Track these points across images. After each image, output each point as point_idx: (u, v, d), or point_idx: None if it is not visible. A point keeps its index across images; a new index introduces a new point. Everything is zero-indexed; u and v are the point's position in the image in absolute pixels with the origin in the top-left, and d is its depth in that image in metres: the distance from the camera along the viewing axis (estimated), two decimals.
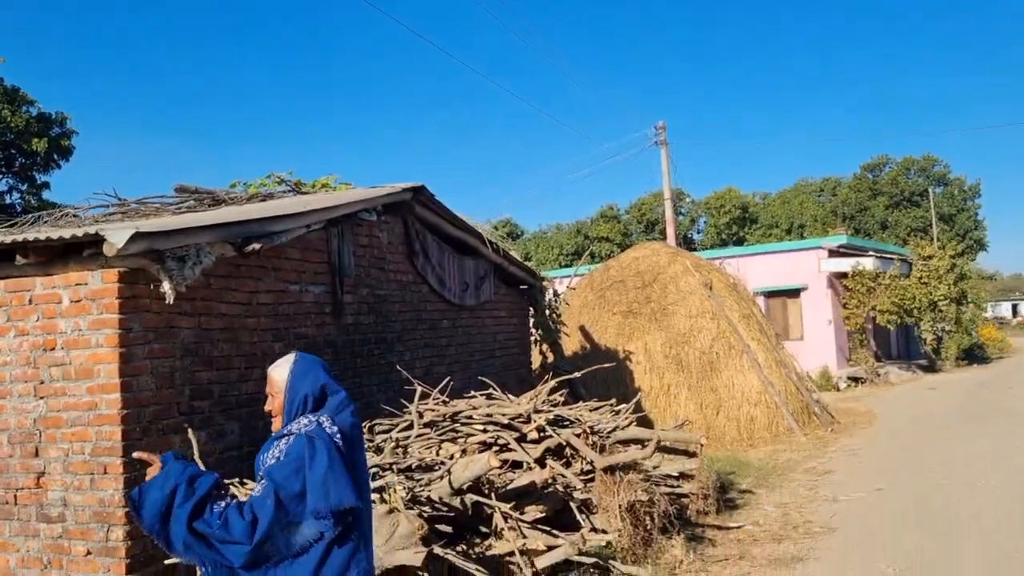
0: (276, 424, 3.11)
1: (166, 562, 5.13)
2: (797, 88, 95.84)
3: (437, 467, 5.92)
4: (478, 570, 4.97)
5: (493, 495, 5.74)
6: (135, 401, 5.10)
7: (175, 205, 8.07)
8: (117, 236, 4.79)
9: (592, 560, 5.83)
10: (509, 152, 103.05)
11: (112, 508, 4.99)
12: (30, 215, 7.96)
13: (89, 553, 5.03)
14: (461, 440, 6.45)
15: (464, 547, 5.60)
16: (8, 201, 26.21)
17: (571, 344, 13.12)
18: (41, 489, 5.16)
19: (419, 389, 6.76)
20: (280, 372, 3.12)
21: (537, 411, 6.55)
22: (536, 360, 11.69)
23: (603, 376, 11.89)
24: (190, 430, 5.35)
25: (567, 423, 6.80)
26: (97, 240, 4.92)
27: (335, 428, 2.92)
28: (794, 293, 22.62)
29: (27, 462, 5.19)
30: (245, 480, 5.54)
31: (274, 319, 6.41)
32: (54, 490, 5.13)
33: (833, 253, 22.85)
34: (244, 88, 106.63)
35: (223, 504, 2.77)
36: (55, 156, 27.33)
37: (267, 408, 3.16)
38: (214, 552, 2.71)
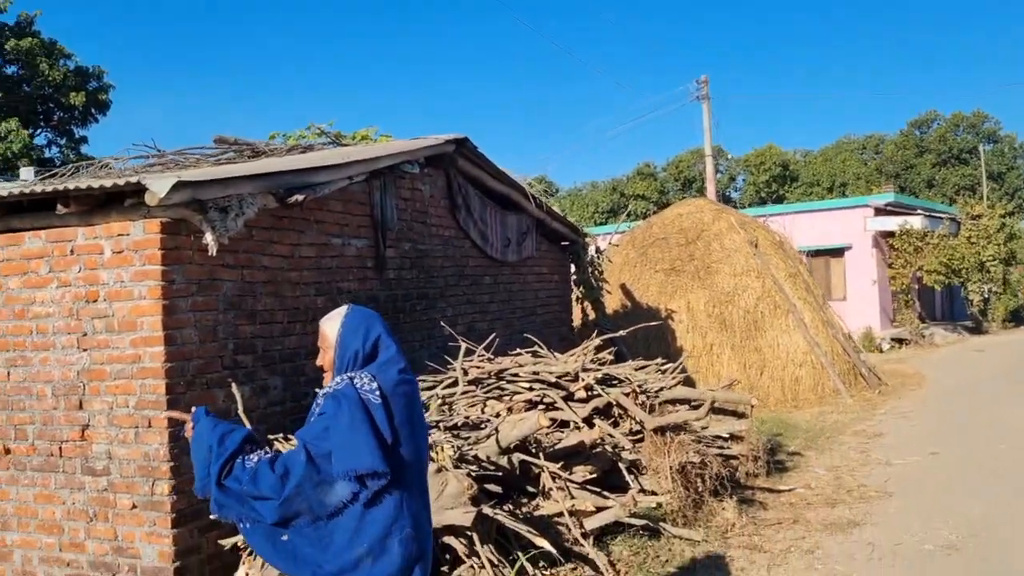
0: (327, 379, 2.96)
1: (212, 516, 5.06)
2: (840, 43, 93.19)
3: (483, 425, 5.79)
4: (529, 531, 4.85)
5: (541, 455, 5.60)
6: (179, 354, 5.00)
7: (214, 157, 7.94)
8: (159, 185, 4.65)
9: (642, 522, 5.70)
10: (544, 107, 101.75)
11: (157, 462, 4.93)
12: (69, 166, 7.88)
13: (135, 507, 4.99)
14: (507, 398, 6.32)
15: (511, 507, 5.48)
16: (47, 155, 26.36)
17: (612, 302, 12.90)
18: (86, 442, 5.11)
19: (463, 346, 6.62)
20: (331, 326, 2.95)
21: (585, 369, 6.37)
22: (576, 318, 11.51)
23: (644, 335, 11.67)
24: (234, 385, 5.24)
25: (615, 382, 6.62)
26: (139, 190, 4.78)
27: (373, 385, 2.75)
28: (838, 252, 22.12)
29: (71, 414, 5.14)
30: (289, 436, 5.45)
31: (317, 272, 6.27)
32: (99, 443, 5.08)
33: (879, 211, 22.27)
34: (281, 38, 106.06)
35: (254, 459, 2.68)
36: (92, 110, 27.43)
37: (318, 363, 3.00)
38: (247, 508, 2.63)
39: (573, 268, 11.09)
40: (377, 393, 2.70)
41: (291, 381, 5.94)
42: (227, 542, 5.07)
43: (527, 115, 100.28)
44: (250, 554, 5.09)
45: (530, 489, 5.72)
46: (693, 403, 7.14)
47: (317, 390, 5.71)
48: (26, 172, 11.21)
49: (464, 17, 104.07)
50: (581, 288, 11.16)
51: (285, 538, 2.64)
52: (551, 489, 5.58)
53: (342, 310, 3.00)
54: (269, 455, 2.69)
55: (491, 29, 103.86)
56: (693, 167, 46.06)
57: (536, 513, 5.46)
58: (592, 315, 11.40)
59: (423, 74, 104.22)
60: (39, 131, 26.96)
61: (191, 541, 5.04)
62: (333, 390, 2.73)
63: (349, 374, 2.78)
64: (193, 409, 2.89)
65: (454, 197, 8.18)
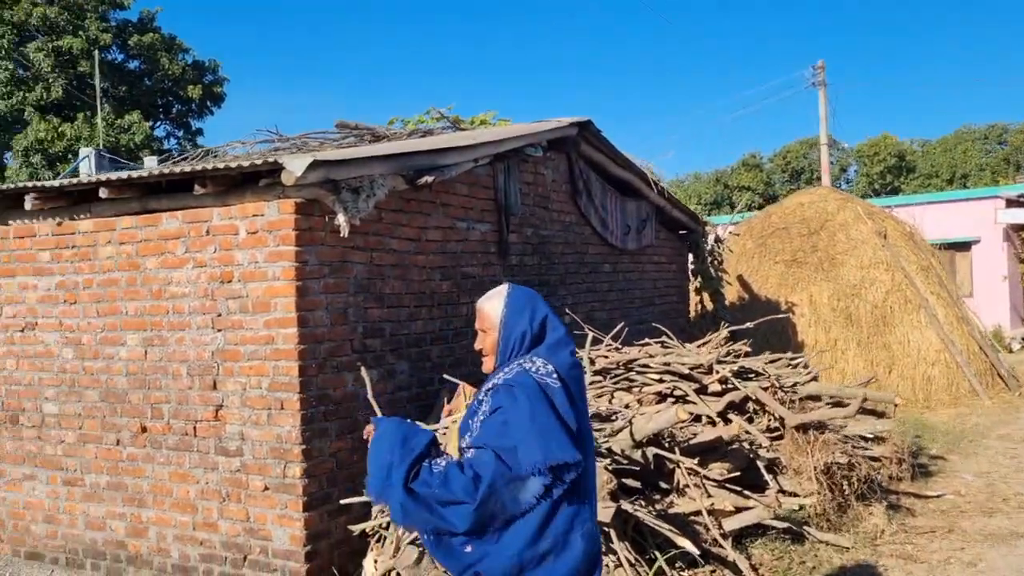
0: (487, 364, 2.75)
1: (342, 501, 5.02)
2: (961, 27, 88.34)
3: (613, 417, 5.55)
4: (671, 531, 4.60)
5: (677, 449, 5.33)
6: (311, 336, 4.95)
7: (336, 141, 7.96)
8: (295, 164, 4.59)
9: (784, 525, 5.36)
10: (646, 95, 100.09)
11: (289, 444, 4.89)
12: (198, 150, 8.02)
13: (267, 488, 4.96)
14: (636, 389, 6.06)
15: (643, 502, 5.24)
16: (166, 147, 27.38)
17: (729, 294, 12.43)
18: (219, 422, 5.12)
19: (590, 335, 6.38)
20: (493, 305, 2.73)
21: (720, 361, 6.06)
22: (691, 309, 11.12)
23: (763, 329, 11.18)
24: (363, 368, 5.19)
25: (751, 375, 6.28)
26: (274, 170, 4.75)
27: (549, 368, 2.53)
28: (964, 246, 20.84)
29: (206, 394, 5.16)
30: (418, 422, 5.34)
31: (442, 257, 6.15)
32: (232, 424, 5.08)
33: (1011, 203, 20.84)
34: (394, 25, 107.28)
35: (442, 463, 2.42)
36: (208, 103, 28.37)
37: (477, 346, 2.79)
38: (435, 516, 2.36)
39: (692, 258, 10.71)
40: (555, 376, 2.49)
41: (417, 366, 5.84)
42: (356, 528, 5.00)
43: (626, 103, 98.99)
44: (378, 541, 5.01)
45: (663, 485, 5.46)
46: (830, 400, 6.74)
47: (446, 376, 5.64)
48: (149, 161, 11.59)
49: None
50: (699, 278, 10.77)
51: (469, 549, 2.41)
52: (686, 486, 5.31)
53: (503, 289, 2.81)
54: (454, 459, 2.47)
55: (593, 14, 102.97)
56: (802, 157, 44.50)
57: (671, 511, 5.20)
58: (710, 306, 10.99)
59: (537, 59, 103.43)
60: (159, 123, 28.06)
61: (321, 525, 4.99)
62: (504, 380, 2.50)
63: (519, 361, 2.58)
64: (372, 418, 2.73)
65: (575, 182, 7.96)
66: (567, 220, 7.91)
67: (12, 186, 5.57)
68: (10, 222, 5.85)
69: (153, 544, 5.37)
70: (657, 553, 4.71)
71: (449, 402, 5.61)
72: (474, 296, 6.46)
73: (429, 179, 5.59)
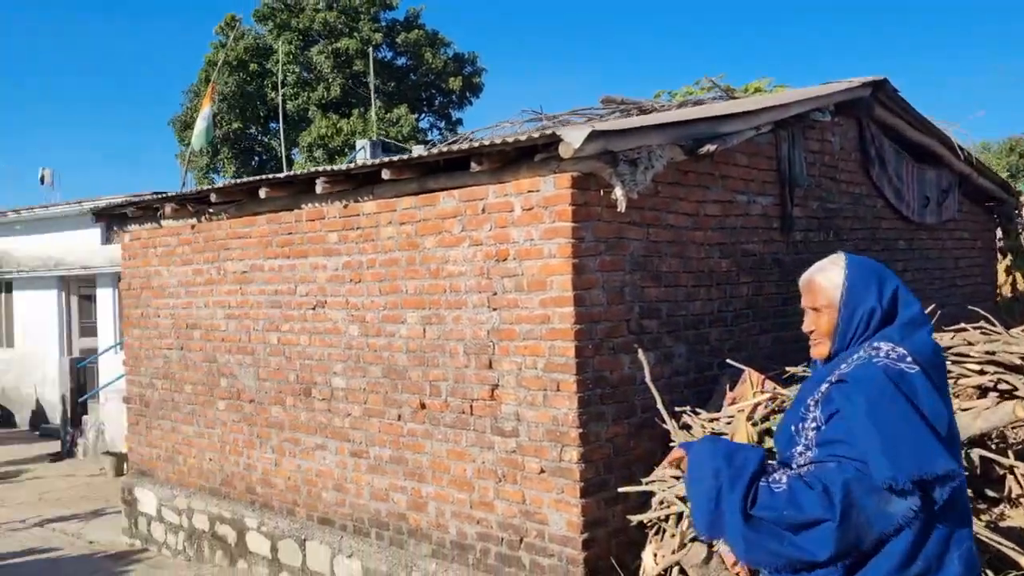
0: (818, 350, 2.32)
1: (619, 489, 4.78)
2: None
3: None
4: (1014, 549, 3.89)
5: (1010, 452, 4.54)
6: (586, 316, 4.73)
7: (602, 117, 7.73)
8: (573, 136, 4.38)
9: None
10: (914, 54, 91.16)
11: (565, 427, 4.71)
12: (469, 131, 8.14)
13: (542, 471, 4.83)
14: (951, 382, 5.26)
15: None
16: (429, 138, 28.82)
17: None
18: (495, 402, 5.06)
19: None
20: (830, 278, 2.30)
21: None
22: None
23: None
24: (640, 351, 4.90)
25: None
26: (549, 143, 4.56)
27: (900, 351, 2.06)
28: None
29: (482, 373, 5.12)
30: (697, 409, 4.99)
31: (721, 233, 5.70)
32: (507, 404, 4.99)
33: None
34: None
35: (782, 480, 2.03)
36: (467, 93, 29.51)
37: (807, 328, 2.36)
38: (786, 546, 1.98)
39: (1001, 233, 9.37)
40: (909, 360, 2.02)
41: (695, 350, 5.45)
42: (634, 518, 4.74)
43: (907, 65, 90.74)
44: (656, 533, 4.71)
45: (989, 493, 4.68)
46: None
47: (728, 361, 5.20)
48: (416, 150, 12.12)
49: None
50: (1009, 256, 9.40)
51: None
52: (1020, 496, 4.51)
53: (838, 259, 2.36)
54: (794, 473, 2.08)
55: None
56: None
57: (1002, 523, 4.43)
58: (1022, 287, 9.58)
59: (814, 20, 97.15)
60: (423, 116, 29.65)
61: (598, 513, 4.78)
62: (838, 377, 2.09)
63: (861, 347, 2.14)
64: (679, 444, 2.41)
65: (867, 149, 7.14)
66: (857, 191, 7.12)
67: (305, 171, 5.87)
68: (303, 206, 6.18)
69: (432, 519, 5.45)
70: (990, 572, 4.01)
71: (731, 389, 5.19)
72: (754, 275, 5.95)
73: (711, 148, 5.17)
